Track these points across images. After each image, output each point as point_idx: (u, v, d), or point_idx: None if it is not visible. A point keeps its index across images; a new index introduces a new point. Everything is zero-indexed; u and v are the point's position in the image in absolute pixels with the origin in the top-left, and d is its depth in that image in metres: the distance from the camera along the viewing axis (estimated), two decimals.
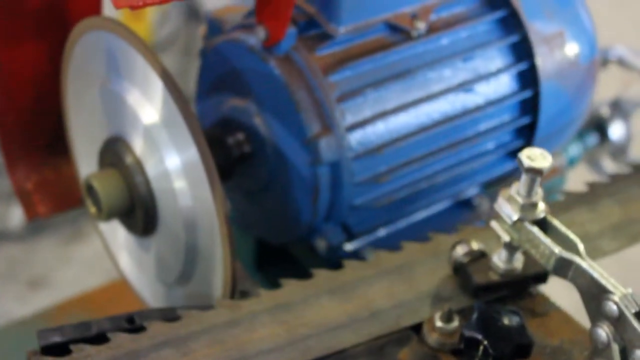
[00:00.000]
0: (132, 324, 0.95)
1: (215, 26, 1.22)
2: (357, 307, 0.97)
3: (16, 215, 2.40)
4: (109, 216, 1.12)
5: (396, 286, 1.00)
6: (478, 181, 1.25)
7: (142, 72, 1.06)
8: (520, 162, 0.91)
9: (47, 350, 0.92)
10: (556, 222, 0.94)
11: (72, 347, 0.91)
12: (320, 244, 1.16)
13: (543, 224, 0.94)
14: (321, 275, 1.01)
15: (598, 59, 1.28)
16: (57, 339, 0.93)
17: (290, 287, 1.00)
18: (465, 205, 1.26)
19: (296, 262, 1.25)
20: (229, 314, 0.96)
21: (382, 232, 1.20)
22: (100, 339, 0.92)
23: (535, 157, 0.91)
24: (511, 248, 0.98)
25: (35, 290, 2.30)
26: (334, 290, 0.99)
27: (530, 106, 1.22)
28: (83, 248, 2.41)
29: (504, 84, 1.21)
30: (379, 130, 1.13)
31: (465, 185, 1.25)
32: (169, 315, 0.96)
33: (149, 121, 1.07)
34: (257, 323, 0.95)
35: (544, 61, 1.21)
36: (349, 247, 1.16)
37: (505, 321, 0.89)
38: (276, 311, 0.97)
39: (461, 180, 1.23)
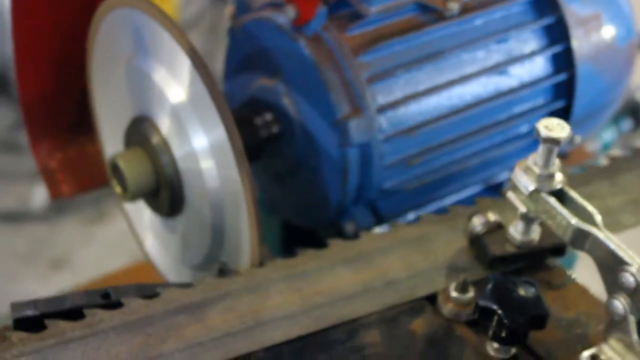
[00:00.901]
0: (108, 299, 0.94)
1: (243, 5, 1.22)
2: (372, 277, 0.98)
3: (39, 195, 2.41)
4: (134, 196, 1.12)
5: (412, 257, 1.01)
6: (510, 166, 1.20)
7: (169, 50, 1.06)
8: (538, 132, 0.91)
9: (20, 324, 0.91)
10: (573, 193, 0.93)
11: (47, 322, 0.90)
12: (349, 227, 1.16)
13: (560, 195, 0.93)
14: (337, 245, 1.02)
15: (635, 43, 1.27)
16: (30, 312, 0.91)
17: (306, 256, 1.00)
18: (496, 190, 1.25)
19: (324, 246, 1.23)
20: (244, 281, 0.97)
21: (411, 216, 1.19)
22: (74, 314, 0.91)
23: (552, 127, 0.91)
24: (528, 219, 0.98)
25: (57, 271, 2.31)
26: (349, 260, 1.00)
27: (565, 90, 1.22)
28: (106, 228, 2.42)
29: (538, 66, 1.20)
30: (410, 111, 1.13)
31: (497, 170, 1.24)
32: (147, 291, 0.95)
33: (175, 100, 1.07)
34: (272, 290, 0.96)
35: (579, 44, 1.20)
36: (378, 230, 1.15)
37: (521, 292, 0.88)
38: (291, 279, 0.97)
39: (493, 164, 1.23)
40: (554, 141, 0.91)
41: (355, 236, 1.04)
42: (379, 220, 1.17)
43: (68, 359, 0.87)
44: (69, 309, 0.92)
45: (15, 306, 0.92)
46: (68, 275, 2.26)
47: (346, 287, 0.97)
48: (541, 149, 0.92)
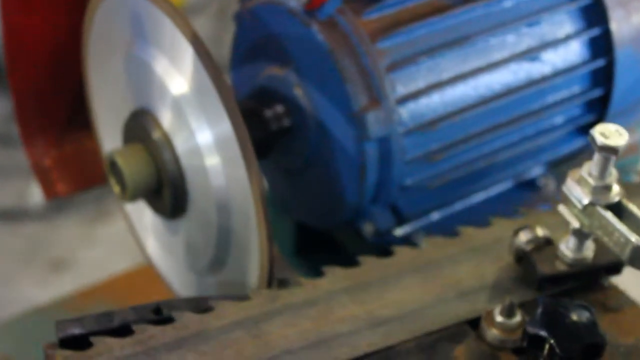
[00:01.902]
0: (159, 315, 0.93)
1: None
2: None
3: (37, 193, 2.43)
4: (134, 196, 1.11)
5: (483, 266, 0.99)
6: (543, 160, 1.23)
7: (170, 38, 1.04)
8: (593, 140, 0.88)
9: (66, 342, 0.90)
10: (632, 207, 0.90)
11: (93, 339, 0.89)
12: (368, 229, 1.14)
13: (617, 209, 0.91)
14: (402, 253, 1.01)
15: None
16: (77, 330, 0.91)
17: (369, 266, 0.99)
18: (528, 186, 1.23)
19: (340, 248, 1.24)
20: (303, 293, 0.96)
21: (435, 215, 1.18)
22: (123, 330, 0.91)
23: (609, 133, 0.88)
24: (581, 235, 0.95)
25: (57, 272, 2.33)
26: (416, 269, 0.99)
27: (603, 77, 1.20)
28: (108, 228, 2.43)
29: (573, 51, 1.18)
30: (433, 102, 1.11)
31: (529, 165, 1.22)
32: (200, 305, 0.94)
33: (178, 92, 1.05)
34: (334, 303, 0.95)
35: (619, 26, 1.18)
36: (399, 231, 1.15)
37: (574, 317, 0.86)
38: (354, 291, 0.96)
39: (524, 158, 1.21)
40: (611, 150, 0.88)
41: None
42: (400, 221, 1.15)
43: None
44: (117, 327, 0.92)
45: (60, 324, 0.91)
46: (68, 277, 2.27)
47: (414, 299, 0.96)
48: (596, 158, 0.90)
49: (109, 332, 0.91)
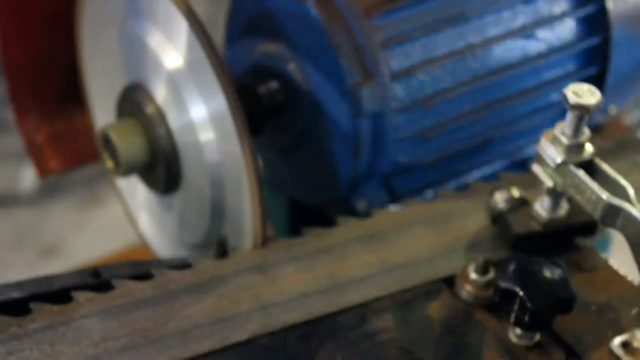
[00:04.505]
0: (98, 279, 0.95)
1: None
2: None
3: (27, 178, 2.41)
4: (127, 171, 1.13)
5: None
6: (538, 138, 1.22)
7: (164, 12, 1.06)
8: (565, 98, 0.90)
9: (5, 306, 0.91)
10: (605, 166, 0.92)
11: (32, 305, 0.90)
12: (361, 206, 1.16)
13: (590, 168, 0.93)
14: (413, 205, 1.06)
15: None
16: (16, 294, 0.92)
17: (381, 217, 1.04)
18: (523, 165, 1.25)
19: (333, 224, 1.23)
20: (317, 242, 1.00)
21: (429, 193, 1.20)
22: (62, 295, 0.92)
23: (582, 92, 0.90)
24: (555, 195, 0.97)
25: (47, 258, 2.32)
26: (428, 220, 1.03)
27: (598, 54, 1.22)
28: (99, 213, 2.42)
29: (569, 29, 1.19)
30: (428, 79, 1.13)
31: (523, 143, 1.24)
32: (138, 270, 0.96)
33: (172, 66, 1.07)
34: (347, 252, 0.99)
35: (615, 3, 1.19)
36: (392, 209, 1.15)
37: (546, 273, 0.87)
38: (367, 240, 1.01)
39: (519, 137, 1.23)
40: (584, 108, 0.90)
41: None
42: (393, 198, 1.17)
43: (138, 320, 0.90)
44: (57, 290, 0.93)
45: None
46: (59, 263, 2.26)
47: (426, 247, 0.99)
48: (569, 117, 0.92)
49: (48, 296, 0.91)
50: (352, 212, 1.16)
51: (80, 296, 0.91)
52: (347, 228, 1.02)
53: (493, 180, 1.09)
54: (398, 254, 0.99)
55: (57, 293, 0.93)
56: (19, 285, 0.93)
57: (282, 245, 1.00)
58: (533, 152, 1.21)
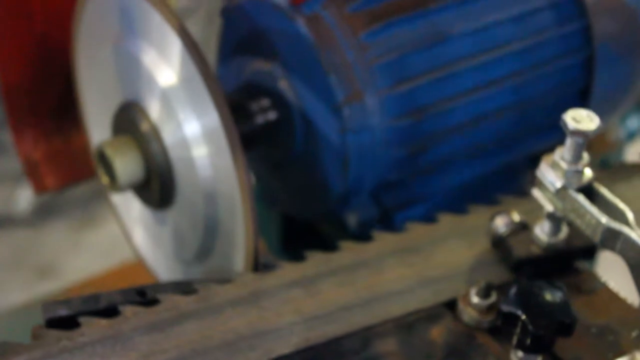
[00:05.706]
0: (144, 297, 0.98)
1: None
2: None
3: (23, 198, 2.40)
4: (122, 187, 1.14)
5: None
6: (529, 151, 1.25)
7: (158, 30, 1.08)
8: (565, 125, 0.93)
9: (53, 323, 0.94)
10: (604, 190, 0.95)
11: (81, 319, 0.93)
12: (351, 220, 1.18)
13: (589, 192, 0.95)
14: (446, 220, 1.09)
15: None
16: (63, 312, 0.95)
17: (414, 231, 1.07)
18: (514, 176, 1.26)
19: (324, 239, 1.26)
20: (354, 256, 1.03)
21: (419, 208, 1.21)
22: (109, 312, 0.95)
23: (581, 118, 0.92)
24: (555, 219, 1.00)
25: (43, 279, 2.32)
26: (461, 234, 1.06)
27: (583, 71, 1.23)
28: (95, 234, 2.42)
29: (554, 45, 1.21)
30: (417, 95, 1.14)
31: (514, 157, 1.25)
32: (184, 288, 0.99)
33: (166, 84, 1.09)
34: (384, 265, 1.02)
35: (599, 20, 1.20)
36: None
37: (547, 296, 0.89)
38: (402, 253, 1.04)
39: (509, 151, 1.24)
40: (583, 134, 0.92)
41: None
42: (384, 212, 1.19)
43: (185, 333, 0.92)
44: (104, 308, 0.96)
45: (46, 306, 0.95)
46: (55, 283, 2.27)
47: (460, 261, 1.02)
48: (569, 142, 0.94)
49: (96, 313, 0.94)
50: (343, 226, 1.19)
51: (127, 310, 0.94)
52: (383, 242, 1.05)
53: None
54: (434, 267, 1.02)
55: (104, 311, 0.96)
56: (66, 303, 0.96)
57: (320, 260, 1.03)
58: (524, 164, 1.26)
